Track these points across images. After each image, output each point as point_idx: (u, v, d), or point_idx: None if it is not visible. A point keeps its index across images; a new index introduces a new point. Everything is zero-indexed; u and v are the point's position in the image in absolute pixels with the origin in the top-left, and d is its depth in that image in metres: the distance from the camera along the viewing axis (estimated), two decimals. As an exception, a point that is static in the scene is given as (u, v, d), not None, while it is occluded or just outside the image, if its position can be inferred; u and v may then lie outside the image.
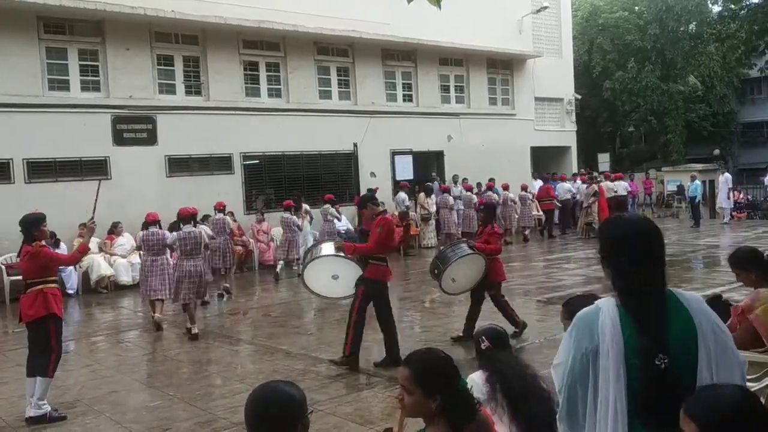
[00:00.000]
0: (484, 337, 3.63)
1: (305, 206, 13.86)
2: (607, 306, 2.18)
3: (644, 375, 2.07)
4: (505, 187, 18.08)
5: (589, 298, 3.47)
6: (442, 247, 9.11)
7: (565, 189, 19.35)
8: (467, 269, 7.49)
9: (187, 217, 9.13)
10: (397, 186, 17.14)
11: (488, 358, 3.38)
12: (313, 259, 7.21)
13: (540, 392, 3.01)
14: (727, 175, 20.62)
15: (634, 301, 2.14)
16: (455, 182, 18.48)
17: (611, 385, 2.09)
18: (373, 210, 7.07)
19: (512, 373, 3.00)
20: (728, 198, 20.28)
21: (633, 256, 2.16)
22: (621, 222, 2.33)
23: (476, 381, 3.11)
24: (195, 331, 8.43)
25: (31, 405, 5.58)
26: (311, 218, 14.21)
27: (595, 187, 17.95)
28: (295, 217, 13.23)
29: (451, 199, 16.76)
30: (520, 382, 2.96)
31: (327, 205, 14.56)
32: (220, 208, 12.13)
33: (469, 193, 17.40)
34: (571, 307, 3.45)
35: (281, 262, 13.26)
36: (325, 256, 7.13)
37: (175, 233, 9.29)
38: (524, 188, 18.46)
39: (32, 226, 5.72)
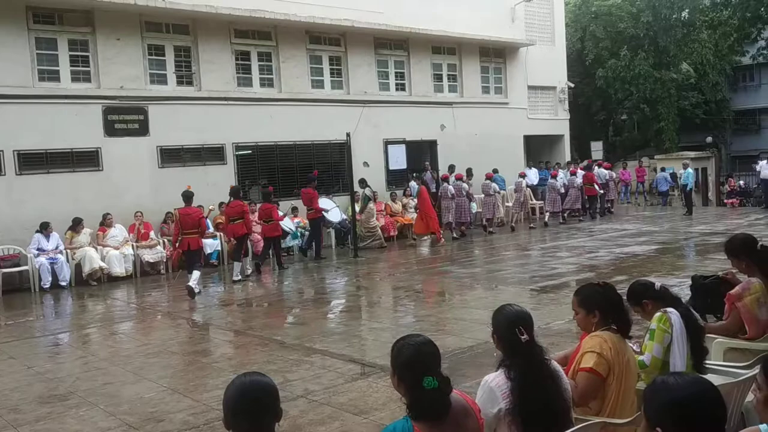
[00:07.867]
0: (522, 328, 2.76)
1: None
2: None
3: None
4: (459, 177, 16.75)
5: (597, 286, 3.48)
6: None
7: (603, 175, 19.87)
8: None
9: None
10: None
11: (526, 357, 2.75)
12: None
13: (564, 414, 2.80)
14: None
15: None
16: (451, 172, 18.39)
17: None
18: None
19: (544, 396, 2.71)
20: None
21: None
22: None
23: (494, 386, 2.76)
24: None
25: None
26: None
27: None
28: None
29: (452, 188, 16.44)
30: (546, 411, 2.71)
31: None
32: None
33: (459, 182, 16.62)
34: (582, 295, 3.45)
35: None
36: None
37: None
38: (522, 175, 18.43)
39: None
